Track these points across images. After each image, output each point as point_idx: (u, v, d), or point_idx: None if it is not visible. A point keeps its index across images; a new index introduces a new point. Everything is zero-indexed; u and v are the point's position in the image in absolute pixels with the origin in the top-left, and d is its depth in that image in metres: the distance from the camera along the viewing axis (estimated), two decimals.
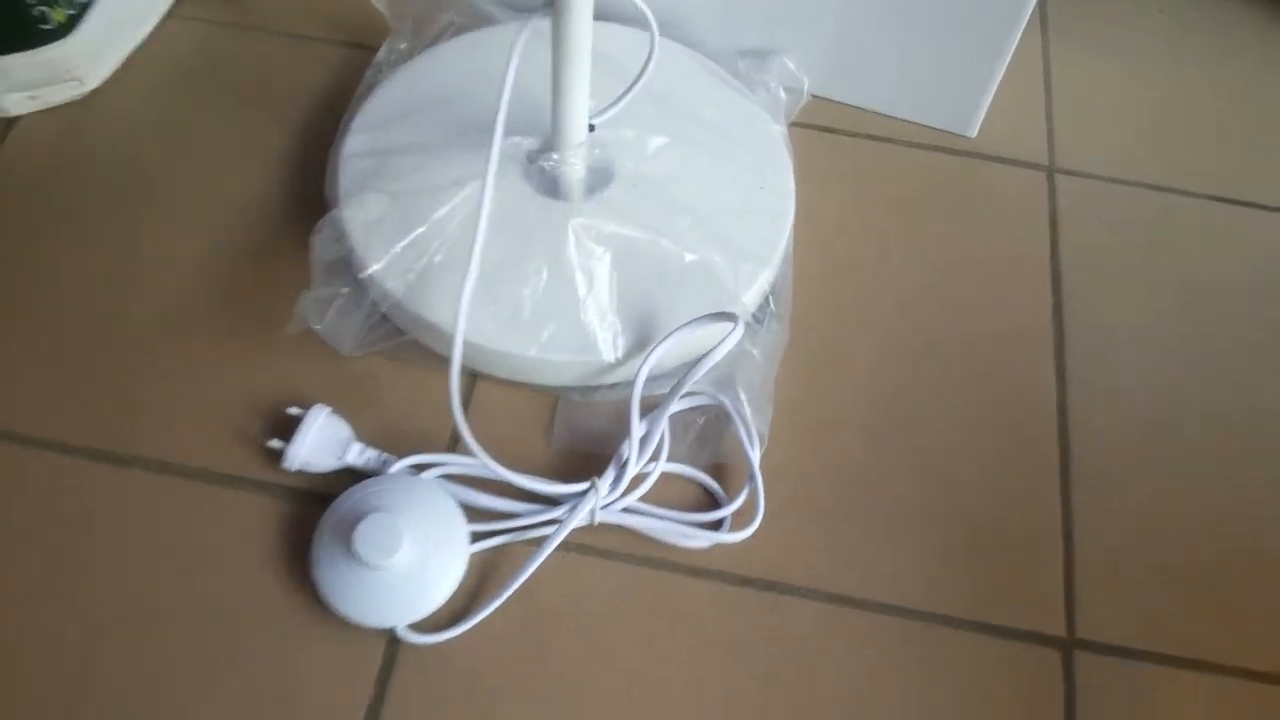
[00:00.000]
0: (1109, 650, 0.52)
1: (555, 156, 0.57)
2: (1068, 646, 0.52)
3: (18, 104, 0.66)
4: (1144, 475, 0.58)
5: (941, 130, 0.71)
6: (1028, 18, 0.64)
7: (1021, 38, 0.65)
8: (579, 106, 0.55)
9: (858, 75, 0.70)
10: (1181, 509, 0.57)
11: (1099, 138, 0.72)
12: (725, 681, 0.50)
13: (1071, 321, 0.63)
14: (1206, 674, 0.52)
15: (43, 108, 0.66)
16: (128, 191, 0.64)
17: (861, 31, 0.67)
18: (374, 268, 0.54)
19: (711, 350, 0.52)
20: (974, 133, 0.71)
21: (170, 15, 0.72)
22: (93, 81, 0.67)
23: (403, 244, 0.55)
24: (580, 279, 0.55)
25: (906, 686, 0.50)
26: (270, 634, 0.50)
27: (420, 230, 0.55)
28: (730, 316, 0.54)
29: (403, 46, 0.68)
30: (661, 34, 0.62)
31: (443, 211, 0.55)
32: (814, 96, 0.71)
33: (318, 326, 0.54)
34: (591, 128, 0.59)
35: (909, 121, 0.71)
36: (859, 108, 0.72)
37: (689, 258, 0.57)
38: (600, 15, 0.52)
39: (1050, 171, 0.70)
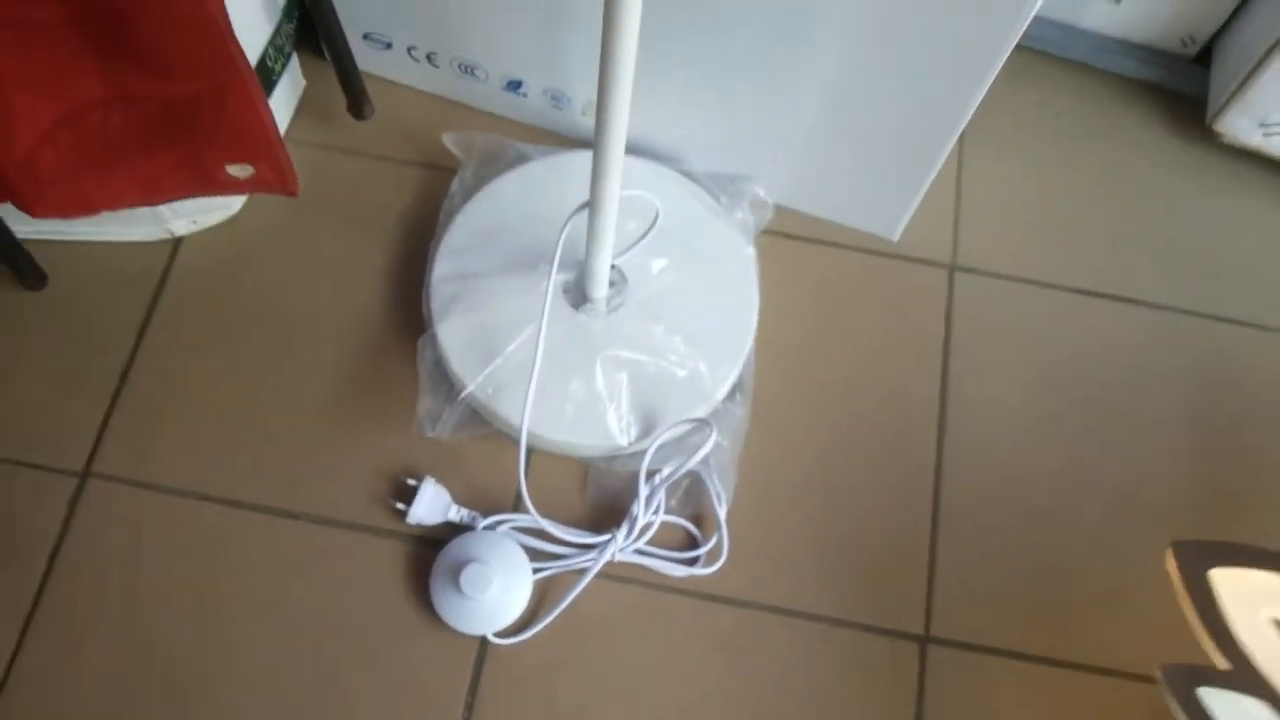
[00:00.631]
0: (956, 645, 0.80)
1: (590, 306, 0.81)
2: (924, 641, 0.80)
3: (183, 227, 0.88)
4: (996, 516, 0.84)
5: (871, 234, 0.94)
6: (949, 150, 0.86)
7: None
8: (604, 273, 0.79)
9: (811, 189, 0.92)
10: (1023, 542, 0.83)
11: (995, 238, 0.95)
12: (696, 661, 0.78)
13: (953, 399, 0.88)
14: (1035, 665, 0.79)
15: (201, 229, 0.89)
16: (269, 302, 0.88)
17: (815, 157, 0.89)
18: (470, 388, 0.79)
19: (692, 457, 0.78)
20: (897, 237, 0.94)
21: (286, 138, 0.93)
22: (237, 206, 0.89)
23: (487, 371, 0.80)
24: (605, 393, 0.80)
25: (810, 671, 0.78)
26: (399, 638, 0.77)
27: (498, 361, 0.80)
28: (707, 424, 0.79)
29: (469, 176, 0.90)
30: (659, 160, 0.86)
31: (512, 347, 0.80)
32: (777, 205, 0.93)
33: (430, 434, 0.79)
34: (614, 267, 0.82)
35: (847, 227, 0.94)
36: (810, 215, 0.94)
37: (681, 374, 0.82)
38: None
39: (951, 270, 0.93)
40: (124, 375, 0.84)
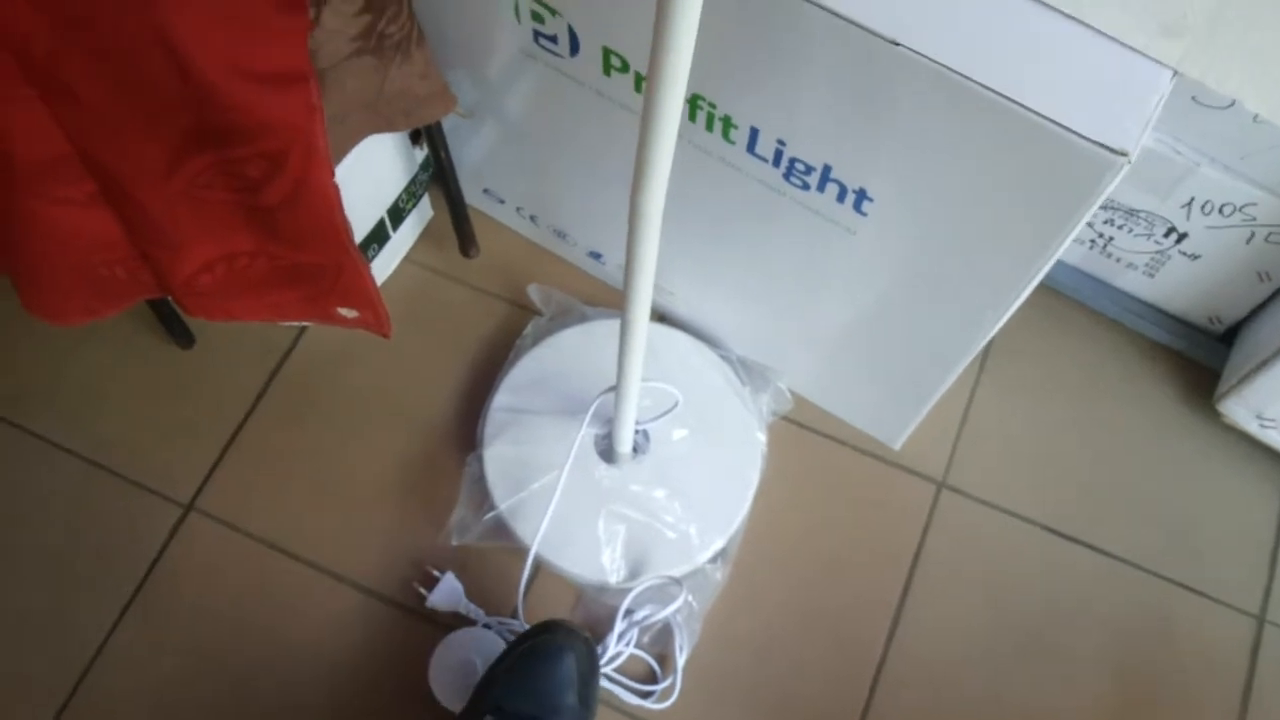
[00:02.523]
0: None
1: (617, 470, 0.97)
2: None
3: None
4: (921, 712, 0.96)
5: (874, 439, 1.06)
6: (953, 379, 0.98)
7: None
8: (627, 439, 0.95)
9: (828, 388, 1.06)
10: None
11: (986, 465, 1.06)
12: None
13: (909, 607, 1.00)
14: None
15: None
16: (361, 394, 1.07)
17: (836, 362, 1.02)
18: (499, 509, 0.97)
19: (664, 610, 0.93)
20: (898, 446, 1.06)
21: (405, 258, 1.12)
22: None
23: (517, 497, 0.97)
24: (604, 538, 0.96)
25: None
26: (398, 699, 0.94)
27: (523, 494, 0.96)
28: (679, 584, 0.94)
29: (542, 324, 1.07)
30: (704, 340, 1.02)
31: (539, 484, 0.97)
32: (796, 394, 1.07)
33: (457, 542, 0.96)
34: (639, 431, 0.98)
35: (855, 428, 1.07)
36: (824, 410, 1.07)
37: (671, 536, 0.97)
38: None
39: (940, 486, 1.05)
40: (236, 432, 1.04)
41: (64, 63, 0.68)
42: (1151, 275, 1.08)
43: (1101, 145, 0.61)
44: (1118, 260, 1.08)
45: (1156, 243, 1.03)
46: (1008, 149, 0.66)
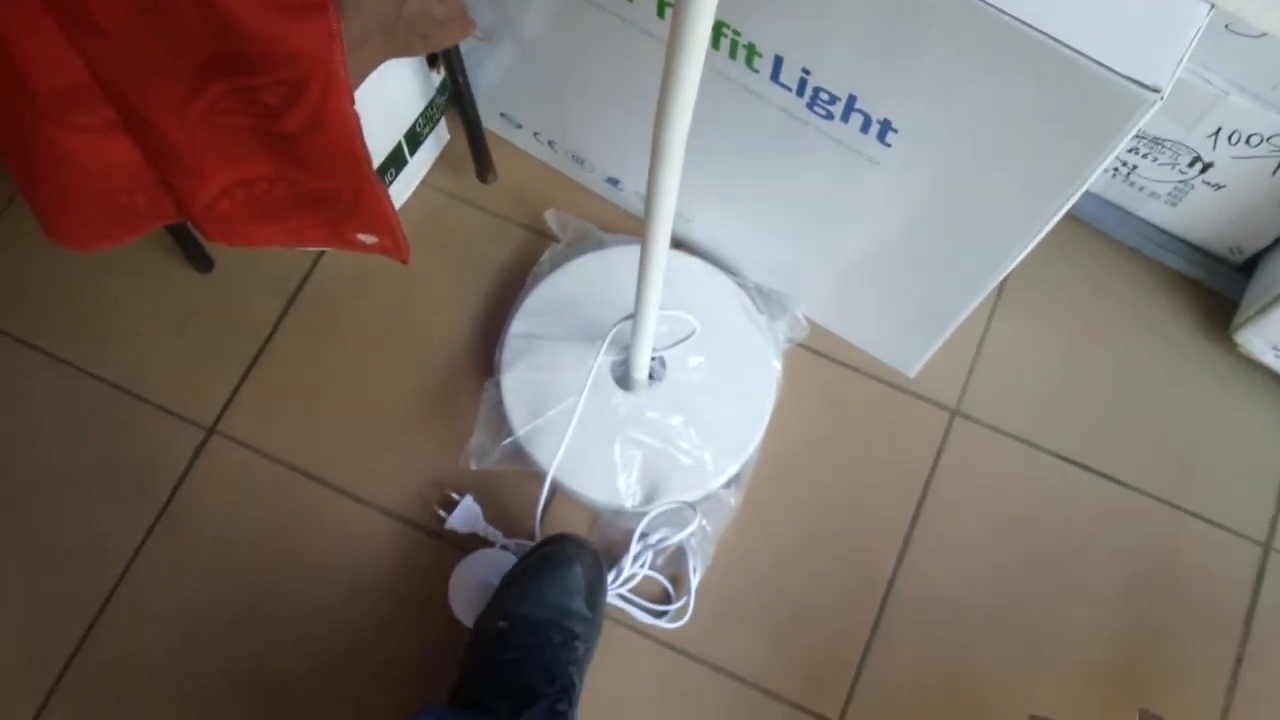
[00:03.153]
0: None
1: (633, 397, 0.98)
2: None
3: None
4: (927, 638, 0.98)
5: (890, 367, 1.07)
6: (972, 309, 0.98)
7: None
8: (643, 365, 0.95)
9: (844, 315, 1.06)
10: (943, 668, 0.97)
11: (1000, 393, 1.07)
12: (643, 695, 0.95)
13: (919, 529, 1.01)
14: None
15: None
16: (379, 318, 1.07)
17: (853, 290, 1.02)
18: (517, 434, 0.98)
19: (678, 533, 0.95)
20: (913, 374, 1.07)
21: (423, 183, 1.12)
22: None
23: (534, 423, 0.98)
24: (620, 463, 0.97)
25: None
26: (415, 616, 0.96)
27: (540, 420, 0.98)
28: (693, 508, 0.95)
29: (559, 250, 1.07)
30: (721, 268, 1.02)
31: (556, 410, 0.98)
32: (812, 322, 1.07)
33: (475, 467, 0.97)
34: (656, 357, 0.99)
35: (870, 356, 1.07)
36: (839, 337, 1.08)
37: (686, 461, 0.98)
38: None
39: (953, 414, 1.06)
40: (257, 356, 1.05)
41: None
42: (1174, 204, 1.07)
43: (1134, 81, 0.60)
44: (1140, 189, 1.07)
45: (1180, 172, 1.02)
46: (1038, 83, 0.65)
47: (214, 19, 0.66)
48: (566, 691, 0.85)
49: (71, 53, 0.73)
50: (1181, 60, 0.61)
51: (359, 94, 0.79)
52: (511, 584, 0.90)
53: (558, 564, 0.90)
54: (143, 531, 0.99)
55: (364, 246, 0.91)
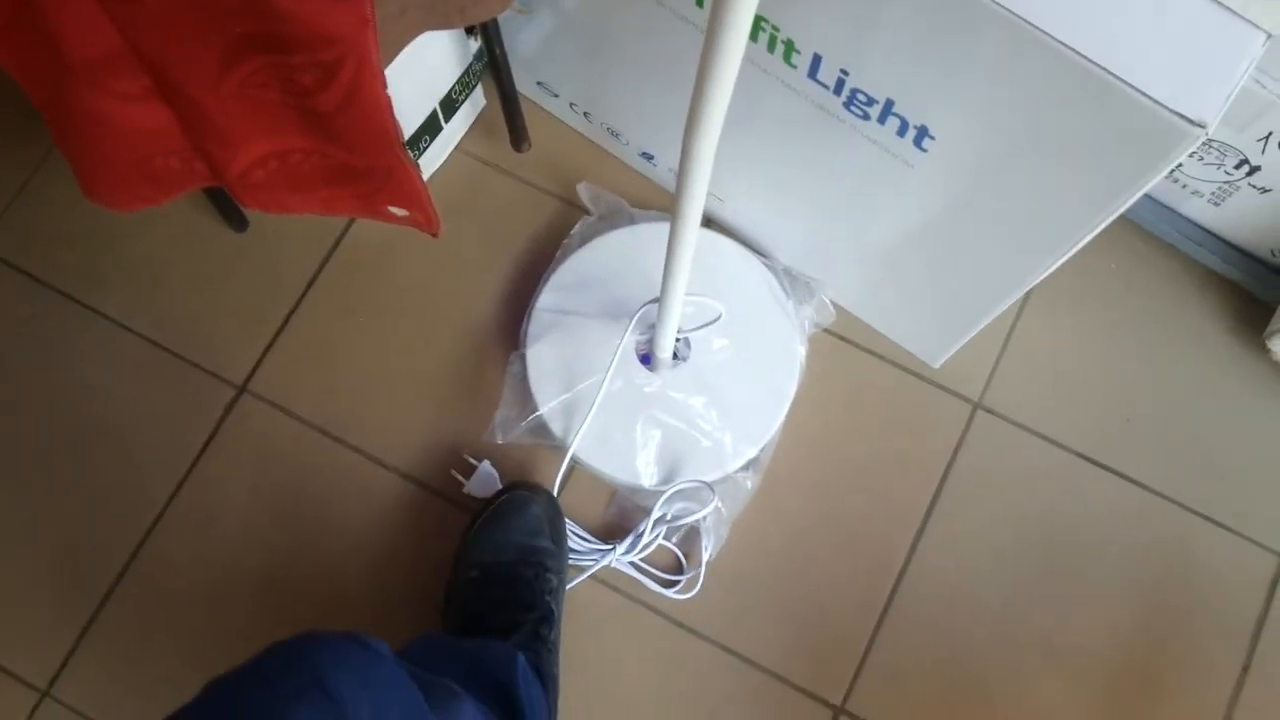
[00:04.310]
0: None
1: (657, 377, 0.98)
2: (838, 712, 0.97)
3: None
4: (935, 628, 0.99)
5: (915, 357, 1.06)
6: (1007, 306, 0.97)
7: None
8: (668, 346, 0.95)
9: (873, 303, 1.05)
10: (950, 658, 0.99)
11: (1025, 390, 1.06)
12: (647, 668, 0.97)
13: (935, 519, 1.02)
14: None
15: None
16: (410, 283, 1.08)
17: (884, 279, 1.01)
18: (542, 410, 0.99)
19: (696, 514, 0.96)
20: (938, 365, 1.06)
21: (457, 149, 1.11)
22: None
23: (560, 400, 0.99)
24: (640, 442, 0.98)
25: (735, 707, 0.97)
26: (433, 579, 0.98)
27: (567, 395, 0.99)
28: (710, 489, 0.96)
29: (590, 223, 1.07)
30: (752, 249, 1.03)
31: (583, 385, 0.98)
32: (839, 307, 1.07)
33: (500, 441, 0.99)
34: (681, 339, 0.99)
35: (896, 344, 1.07)
36: (866, 324, 1.07)
37: (706, 444, 0.98)
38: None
39: (976, 407, 1.05)
40: (289, 316, 1.07)
41: None
42: (1218, 204, 1.05)
43: (1179, 115, 0.59)
44: (1184, 186, 1.05)
45: (1227, 173, 1.00)
46: (1081, 107, 0.63)
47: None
48: (546, 617, 0.89)
49: (106, 20, 0.73)
50: (1231, 94, 0.60)
51: (399, 59, 0.79)
52: (475, 536, 0.94)
53: (515, 508, 0.93)
54: (173, 485, 1.01)
55: (394, 218, 0.92)
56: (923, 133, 0.75)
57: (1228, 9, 0.61)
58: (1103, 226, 0.73)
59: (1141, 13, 0.61)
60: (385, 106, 0.77)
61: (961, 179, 0.77)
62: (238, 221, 1.07)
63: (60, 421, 1.04)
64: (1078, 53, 0.60)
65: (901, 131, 0.76)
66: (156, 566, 1.00)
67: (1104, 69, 0.60)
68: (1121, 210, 0.70)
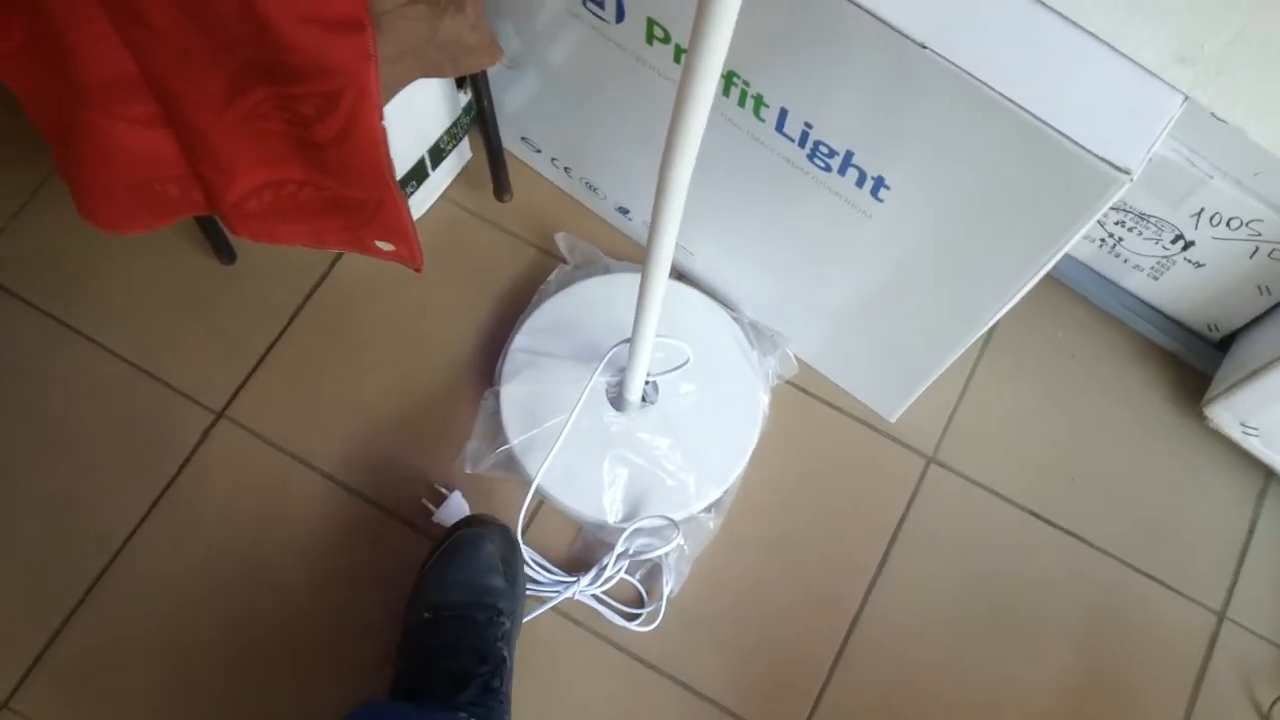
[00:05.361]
0: None
1: (625, 417, 1.02)
2: None
3: None
4: (885, 675, 1.02)
5: (872, 410, 1.11)
6: (951, 361, 1.02)
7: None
8: (637, 388, 1.00)
9: (833, 358, 1.10)
10: (899, 703, 1.01)
11: (976, 445, 1.11)
12: (606, 703, 0.99)
13: (888, 570, 1.05)
14: None
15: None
16: (390, 321, 1.12)
17: (843, 334, 1.06)
18: (513, 442, 1.02)
19: (659, 549, 0.99)
20: (894, 419, 1.11)
21: (442, 196, 1.17)
22: None
23: (529, 434, 1.03)
24: (607, 480, 1.02)
25: None
26: (398, 609, 1.00)
27: (536, 431, 1.02)
28: (675, 526, 1.00)
29: (567, 271, 1.12)
30: (720, 301, 1.08)
31: (551, 423, 1.02)
32: (802, 361, 1.12)
33: (469, 471, 1.02)
34: (650, 382, 1.03)
35: (855, 398, 1.11)
36: (827, 378, 1.12)
37: (670, 483, 1.02)
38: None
39: (929, 461, 1.10)
40: (269, 348, 1.10)
41: None
42: (1156, 278, 1.11)
43: (1107, 162, 0.65)
44: (1125, 261, 1.11)
45: (1164, 248, 1.07)
46: (1019, 155, 0.69)
47: (260, 30, 0.72)
48: (498, 669, 0.89)
49: (120, 46, 0.78)
50: (1153, 146, 0.66)
51: (390, 107, 0.85)
52: (428, 575, 0.94)
53: (469, 545, 0.93)
54: (146, 506, 1.03)
55: (380, 253, 0.96)
56: (879, 183, 0.81)
57: (1150, 73, 0.67)
58: (1040, 275, 0.79)
59: (1073, 70, 0.68)
60: (380, 139, 0.82)
61: (914, 228, 0.83)
62: (226, 254, 1.11)
63: (33, 438, 1.06)
64: (1014, 102, 0.66)
65: (860, 182, 0.82)
66: (123, 588, 1.01)
67: (1038, 118, 0.66)
68: (1057, 258, 0.76)
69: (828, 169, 0.83)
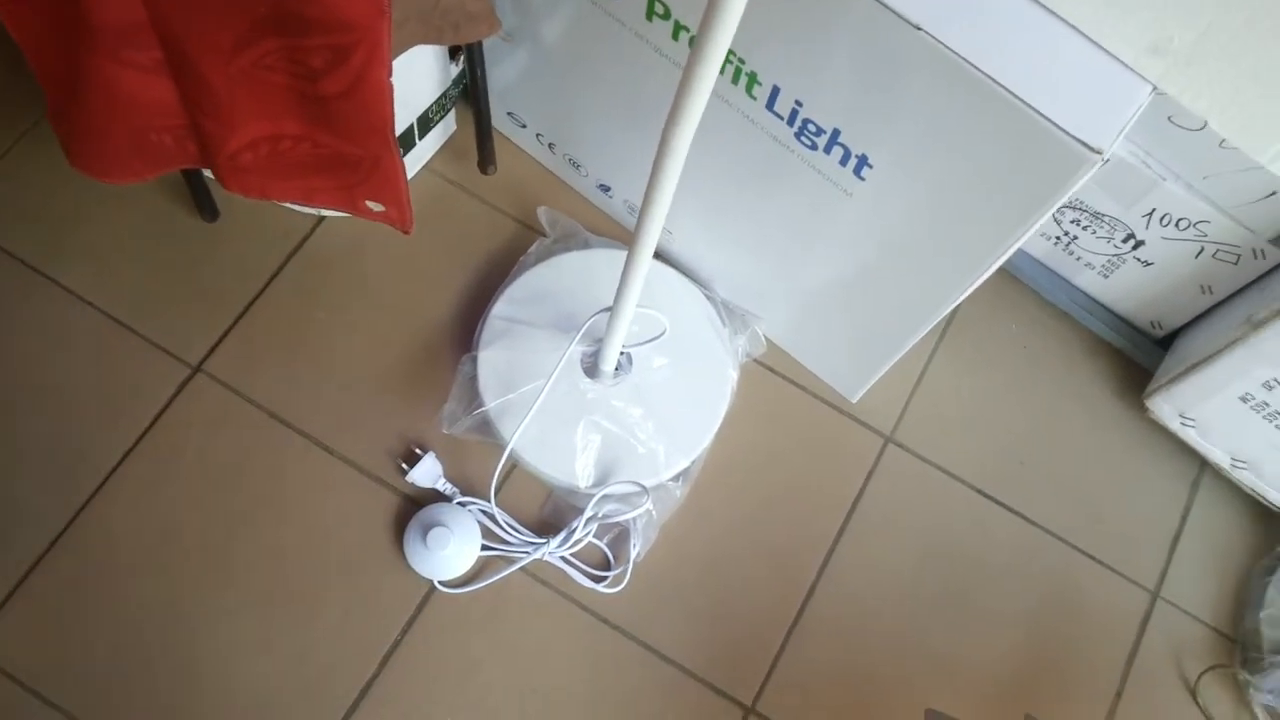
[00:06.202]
0: None
1: (599, 376, 1.05)
2: (748, 711, 1.02)
3: (331, 211, 1.14)
4: (841, 639, 1.06)
5: (835, 390, 1.16)
6: (910, 346, 1.07)
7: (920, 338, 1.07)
8: (613, 358, 1.03)
9: (800, 339, 1.15)
10: (853, 665, 1.05)
11: (932, 427, 1.16)
12: (571, 661, 1.02)
13: (844, 541, 1.10)
14: None
15: (341, 216, 1.15)
16: (370, 285, 1.14)
17: (810, 317, 1.11)
18: (487, 406, 1.05)
19: (629, 514, 1.02)
20: (855, 399, 1.16)
21: (426, 166, 1.19)
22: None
23: (505, 399, 1.05)
24: (579, 445, 1.05)
25: (651, 703, 1.01)
26: (370, 564, 1.02)
27: (513, 395, 1.05)
28: (645, 492, 1.03)
29: (547, 244, 1.15)
30: (694, 280, 1.11)
31: (527, 388, 1.05)
32: (770, 341, 1.16)
33: (446, 431, 1.04)
34: (624, 353, 1.06)
35: (819, 378, 1.16)
36: (793, 358, 1.16)
37: (641, 451, 1.05)
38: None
39: (887, 440, 1.15)
40: (249, 305, 1.11)
41: None
42: (1106, 276, 1.18)
43: (1080, 141, 0.70)
44: (1078, 259, 1.18)
45: (1116, 246, 1.13)
46: (998, 134, 0.74)
47: None
48: None
49: None
50: (1123, 129, 0.71)
51: None
52: None
53: None
54: (119, 455, 1.04)
55: (370, 214, 0.98)
56: (863, 162, 0.85)
57: (1123, 64, 0.73)
58: (1008, 254, 0.84)
59: (1053, 58, 0.73)
60: (388, 96, 0.84)
61: (892, 207, 0.88)
62: (209, 211, 1.12)
63: (5, 385, 1.06)
64: (994, 80, 0.71)
65: (844, 160, 0.86)
66: (94, 533, 1.01)
67: (1022, 100, 0.71)
68: (1025, 237, 0.81)
69: (814, 147, 0.88)
